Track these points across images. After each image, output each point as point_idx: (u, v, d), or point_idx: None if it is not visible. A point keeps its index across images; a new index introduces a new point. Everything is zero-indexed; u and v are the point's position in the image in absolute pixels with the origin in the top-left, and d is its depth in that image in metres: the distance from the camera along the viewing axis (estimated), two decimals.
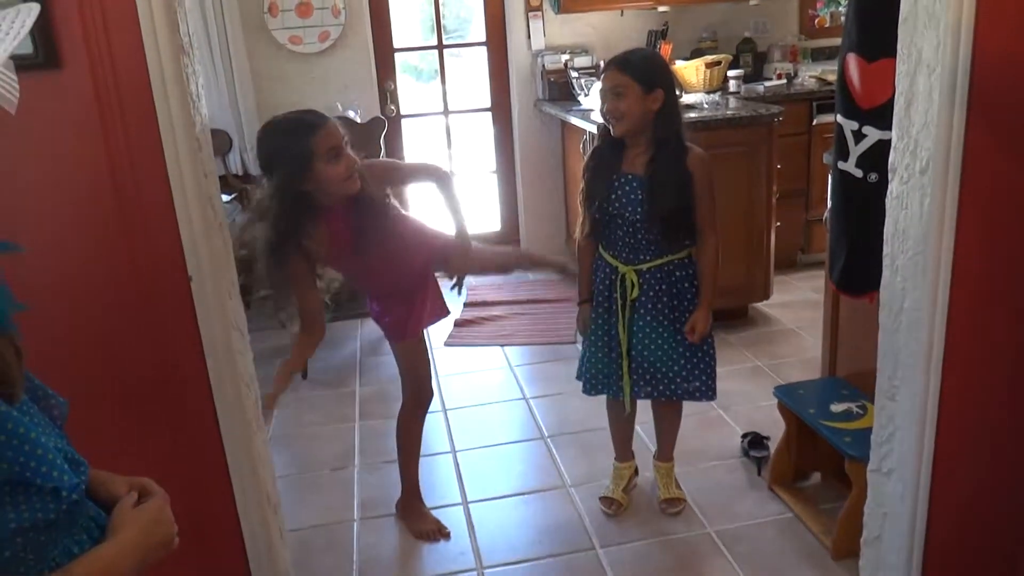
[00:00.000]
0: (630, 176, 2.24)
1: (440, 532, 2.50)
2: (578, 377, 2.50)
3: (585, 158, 2.39)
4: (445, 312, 2.46)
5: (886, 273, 1.79)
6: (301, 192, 1.97)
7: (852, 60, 1.86)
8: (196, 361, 1.63)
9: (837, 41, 4.93)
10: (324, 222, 2.08)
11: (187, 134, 1.50)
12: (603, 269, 2.36)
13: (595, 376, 2.43)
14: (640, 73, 2.15)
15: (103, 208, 1.52)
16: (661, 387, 2.36)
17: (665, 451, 2.59)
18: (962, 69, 1.52)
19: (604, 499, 2.57)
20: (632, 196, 2.23)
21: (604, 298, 2.36)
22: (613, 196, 2.25)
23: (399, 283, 2.33)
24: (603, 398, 2.51)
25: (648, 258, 2.27)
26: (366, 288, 2.39)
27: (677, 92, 2.28)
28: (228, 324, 1.63)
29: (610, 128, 2.23)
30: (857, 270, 2.03)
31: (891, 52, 1.68)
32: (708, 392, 2.38)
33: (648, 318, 2.30)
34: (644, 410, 2.58)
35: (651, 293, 2.29)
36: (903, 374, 1.80)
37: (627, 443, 2.61)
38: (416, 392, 2.49)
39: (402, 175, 2.40)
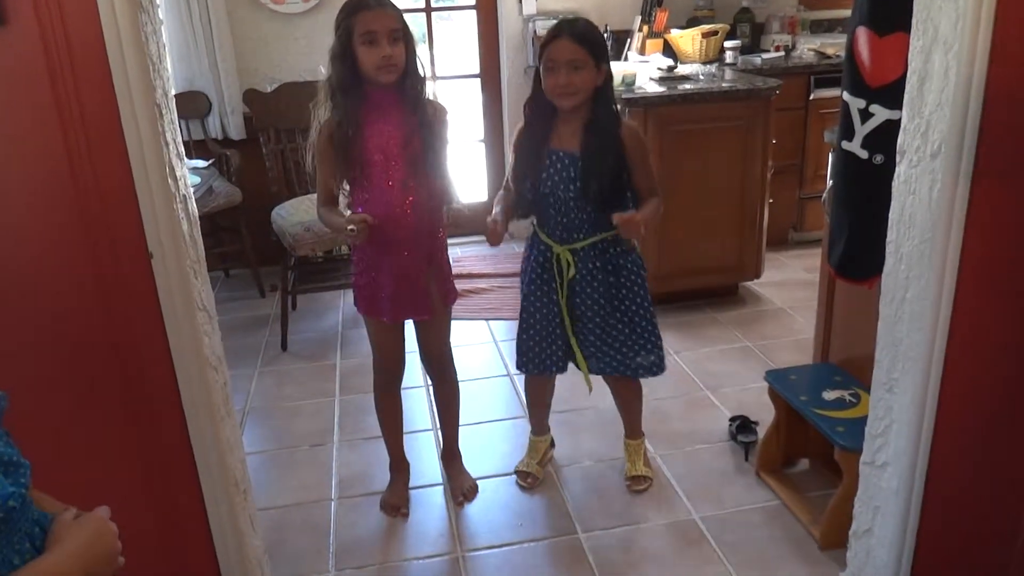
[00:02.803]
0: (562, 153, 2.17)
1: (398, 511, 2.45)
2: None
3: (514, 135, 2.30)
4: (454, 294, 2.39)
5: (889, 260, 1.71)
6: (350, 68, 2.04)
7: (862, 34, 1.76)
8: (158, 344, 1.52)
9: (837, 13, 4.89)
10: (373, 111, 2.09)
11: (146, 100, 1.38)
12: (537, 247, 2.32)
13: (529, 353, 2.41)
14: (592, 46, 2.08)
15: (54, 181, 1.39)
16: (614, 363, 2.35)
17: (632, 428, 2.58)
18: (981, 47, 1.42)
19: (520, 472, 2.58)
20: (564, 174, 2.17)
21: (537, 276, 2.32)
22: (545, 175, 2.18)
23: (412, 228, 2.18)
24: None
25: (582, 236, 2.23)
26: (378, 228, 2.15)
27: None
28: (192, 304, 1.52)
29: (553, 102, 2.14)
30: (858, 255, 1.95)
31: (904, 27, 1.58)
32: (657, 366, 2.38)
33: (585, 296, 2.28)
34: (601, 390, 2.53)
35: (587, 271, 2.26)
36: (903, 366, 1.73)
37: (544, 417, 2.64)
38: (381, 366, 2.43)
39: (442, 139, 2.22)
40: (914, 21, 1.53)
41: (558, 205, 2.21)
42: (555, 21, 2.20)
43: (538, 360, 2.41)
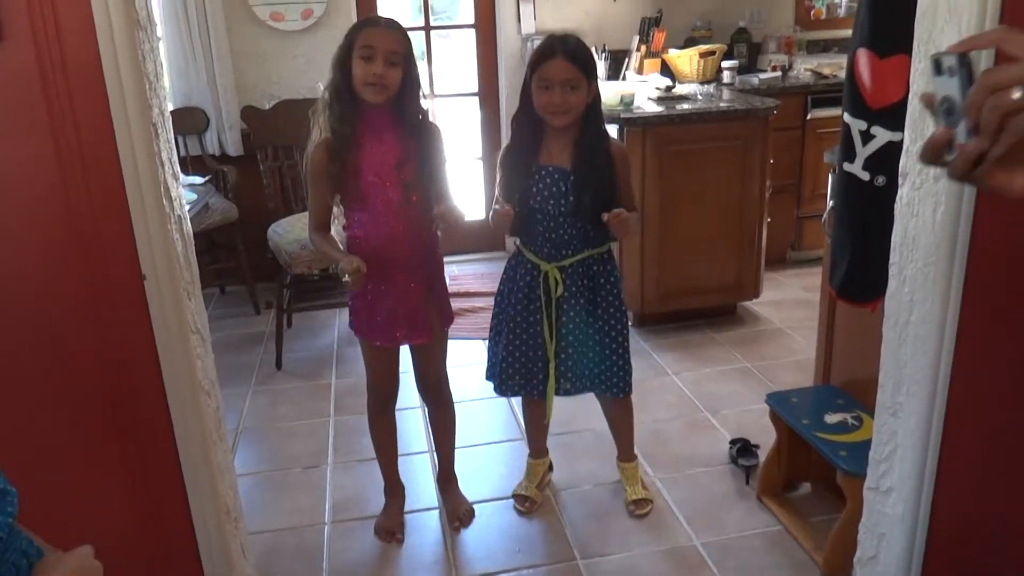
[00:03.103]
0: (551, 168, 2.18)
1: (393, 536, 2.41)
2: (489, 377, 2.45)
3: (501, 152, 2.30)
4: (451, 316, 2.36)
5: (892, 283, 1.69)
6: (346, 80, 2.02)
7: (863, 56, 1.75)
8: (150, 367, 1.49)
9: (833, 34, 4.92)
10: (368, 131, 2.08)
11: (142, 119, 1.36)
12: (523, 266, 2.30)
13: (512, 376, 2.37)
14: (585, 64, 2.10)
15: (47, 200, 1.37)
16: (580, 384, 2.35)
17: (625, 451, 2.56)
18: (983, 69, 1.40)
19: (518, 496, 2.54)
20: (555, 189, 2.17)
21: (524, 296, 2.29)
22: (535, 189, 2.18)
23: (408, 250, 2.16)
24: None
25: (570, 253, 2.23)
26: (371, 246, 2.15)
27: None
28: (185, 327, 1.49)
29: (543, 118, 2.14)
30: (860, 277, 1.93)
31: (905, 49, 1.56)
32: (624, 388, 2.37)
33: (572, 314, 2.27)
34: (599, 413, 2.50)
35: (574, 289, 2.25)
36: (907, 389, 1.70)
37: (543, 440, 2.61)
38: (375, 388, 2.39)
39: (438, 167, 2.19)
40: (915, 43, 1.52)
41: (547, 221, 2.20)
42: (547, 35, 2.20)
43: (524, 382, 2.38)
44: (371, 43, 1.99)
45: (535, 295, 2.28)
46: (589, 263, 2.25)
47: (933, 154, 0.86)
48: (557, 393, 2.36)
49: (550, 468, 2.65)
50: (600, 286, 2.28)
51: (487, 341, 2.48)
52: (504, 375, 2.38)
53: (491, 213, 2.18)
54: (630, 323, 2.50)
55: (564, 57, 2.06)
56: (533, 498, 2.53)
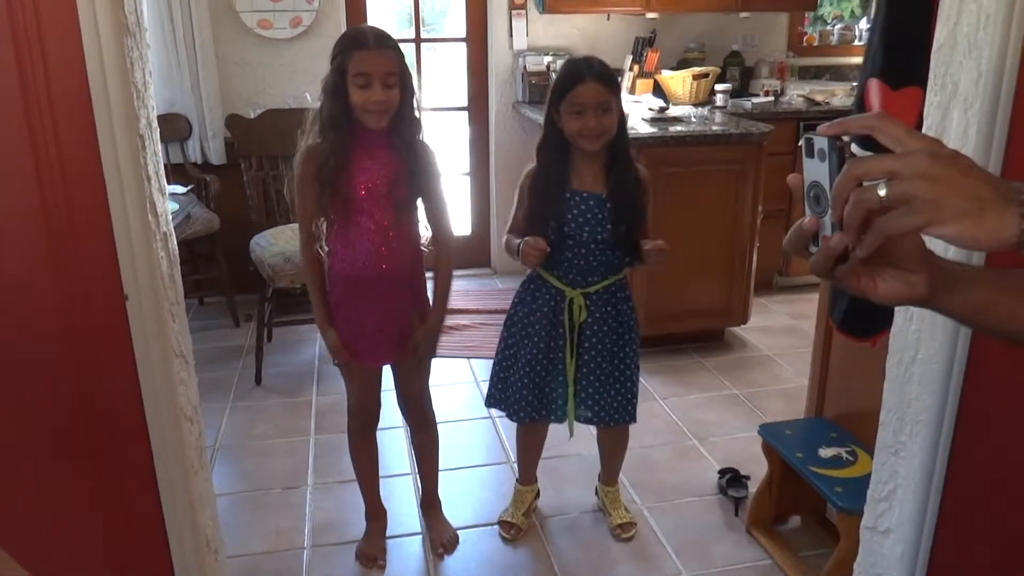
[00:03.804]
0: (586, 194, 2.15)
1: (375, 562, 2.33)
2: (494, 404, 2.40)
3: (529, 176, 2.23)
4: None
5: (898, 320, 1.65)
6: (342, 106, 1.96)
7: (874, 86, 1.71)
8: (129, 391, 1.41)
9: (825, 60, 4.93)
10: (361, 150, 2.02)
11: (128, 130, 1.29)
12: (545, 291, 2.25)
13: (529, 398, 2.30)
14: (615, 86, 2.11)
15: (25, 214, 1.29)
16: (603, 413, 2.31)
17: (612, 475, 2.54)
18: (1003, 106, 1.38)
19: (503, 523, 2.49)
20: (590, 216, 2.14)
21: (548, 322, 2.24)
22: (569, 216, 2.14)
23: (393, 269, 2.10)
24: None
25: (595, 280, 2.21)
26: (357, 264, 2.10)
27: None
28: (168, 350, 1.42)
29: (574, 143, 2.11)
30: (862, 312, 1.89)
31: (918, 81, 1.54)
32: (632, 415, 2.35)
33: (595, 340, 2.24)
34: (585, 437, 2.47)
35: (598, 315, 2.23)
36: (911, 429, 1.66)
37: (534, 466, 2.56)
38: (357, 409, 2.33)
39: (432, 185, 2.14)
40: (931, 76, 1.49)
41: (578, 247, 2.17)
42: (568, 59, 2.14)
43: (538, 406, 2.32)
44: (365, 70, 1.92)
45: (559, 320, 2.23)
46: (612, 290, 2.24)
47: (797, 244, 0.77)
48: (577, 420, 2.32)
49: (537, 495, 2.59)
50: (621, 312, 2.26)
51: (493, 366, 2.41)
52: (522, 400, 2.31)
53: (519, 245, 2.11)
54: None
55: (594, 79, 2.04)
56: (519, 525, 2.47)
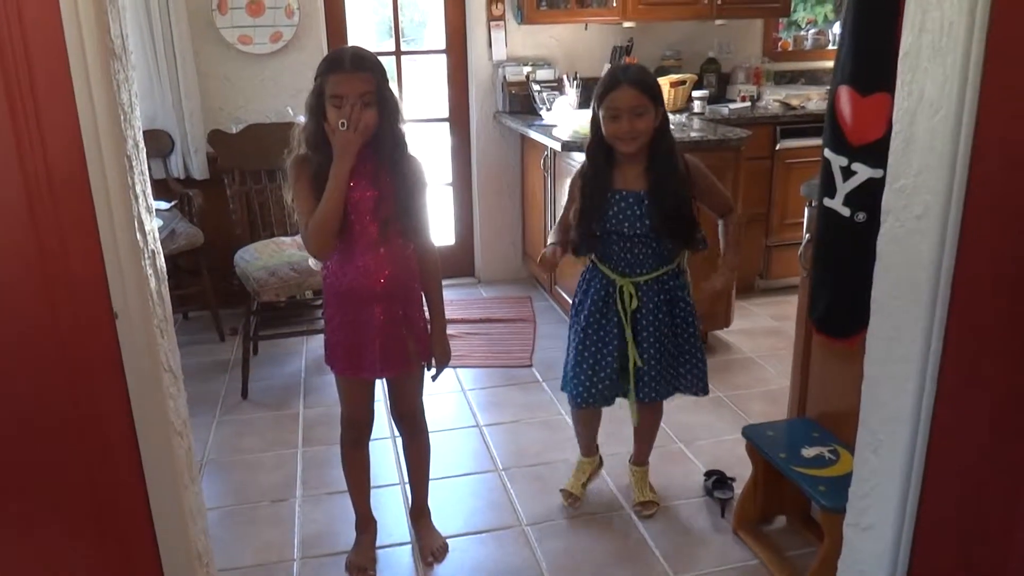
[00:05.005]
0: (626, 193, 2.28)
1: (364, 572, 2.35)
2: (564, 388, 2.52)
3: (580, 177, 2.37)
4: (427, 349, 2.28)
5: (874, 320, 1.69)
6: (322, 126, 1.99)
7: (844, 92, 1.76)
8: (119, 407, 1.42)
9: (800, 65, 5.01)
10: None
11: (116, 151, 1.31)
12: (599, 280, 2.39)
13: (587, 383, 2.42)
14: (651, 91, 2.20)
15: (15, 234, 1.30)
16: (662, 389, 2.43)
17: (644, 454, 2.67)
18: (968, 111, 1.42)
19: (564, 492, 2.66)
20: (629, 212, 2.27)
21: (597, 309, 2.38)
22: (610, 212, 2.28)
23: (385, 283, 2.12)
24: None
25: (644, 271, 2.34)
26: (348, 279, 2.12)
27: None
28: (158, 365, 1.43)
29: (612, 146, 2.24)
30: (839, 312, 1.93)
31: (887, 87, 1.58)
32: (703, 387, 2.48)
33: (651, 328, 2.36)
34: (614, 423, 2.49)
35: (651, 305, 2.35)
36: (889, 428, 1.70)
37: (594, 441, 2.70)
38: (350, 421, 2.34)
39: (418, 193, 2.15)
40: (899, 83, 1.53)
41: (622, 242, 2.31)
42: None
43: (595, 391, 2.43)
44: (340, 91, 1.94)
45: (608, 307, 2.37)
46: (664, 279, 2.35)
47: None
48: (639, 399, 2.43)
49: (599, 466, 2.75)
50: (677, 299, 2.38)
51: (564, 353, 2.54)
52: (576, 385, 2.44)
53: (546, 249, 2.31)
54: None
55: (629, 85, 2.16)
56: (576, 494, 2.63)
